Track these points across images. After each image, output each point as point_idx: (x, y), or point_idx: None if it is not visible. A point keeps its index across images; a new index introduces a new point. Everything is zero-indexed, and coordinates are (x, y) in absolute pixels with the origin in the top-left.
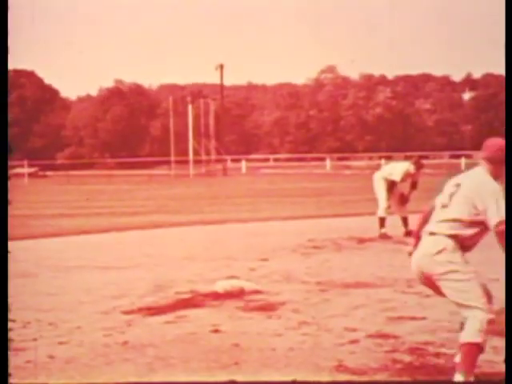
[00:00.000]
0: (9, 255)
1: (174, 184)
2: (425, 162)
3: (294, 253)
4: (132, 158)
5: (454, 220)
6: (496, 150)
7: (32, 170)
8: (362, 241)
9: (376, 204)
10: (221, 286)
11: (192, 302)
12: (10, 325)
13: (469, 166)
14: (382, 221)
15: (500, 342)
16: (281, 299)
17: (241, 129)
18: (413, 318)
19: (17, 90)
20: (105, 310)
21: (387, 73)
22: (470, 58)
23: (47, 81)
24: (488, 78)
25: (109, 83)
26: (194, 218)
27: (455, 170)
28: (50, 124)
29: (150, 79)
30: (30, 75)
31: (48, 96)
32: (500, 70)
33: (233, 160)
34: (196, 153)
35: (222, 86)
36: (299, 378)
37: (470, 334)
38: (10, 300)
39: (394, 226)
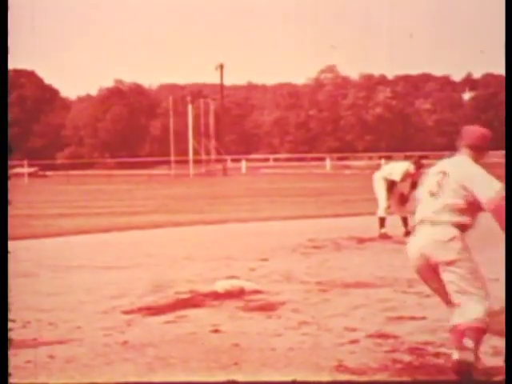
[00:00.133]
0: (9, 255)
1: (174, 184)
2: (425, 161)
3: (293, 253)
4: (132, 157)
5: (451, 207)
6: (476, 138)
7: (32, 169)
8: (361, 241)
9: (376, 204)
10: (221, 286)
11: (192, 301)
12: (10, 325)
13: None
14: (382, 221)
15: (500, 342)
16: (281, 299)
17: (241, 129)
18: (412, 318)
19: (17, 89)
20: (105, 310)
21: (387, 73)
22: (470, 58)
23: (47, 81)
24: (488, 78)
25: (109, 83)
26: (194, 217)
27: None
28: (49, 124)
29: (150, 79)
30: (30, 75)
31: (48, 96)
32: (500, 70)
33: (233, 160)
34: (196, 153)
35: (222, 86)
36: (299, 378)
37: (471, 315)
38: (10, 300)
39: (394, 225)
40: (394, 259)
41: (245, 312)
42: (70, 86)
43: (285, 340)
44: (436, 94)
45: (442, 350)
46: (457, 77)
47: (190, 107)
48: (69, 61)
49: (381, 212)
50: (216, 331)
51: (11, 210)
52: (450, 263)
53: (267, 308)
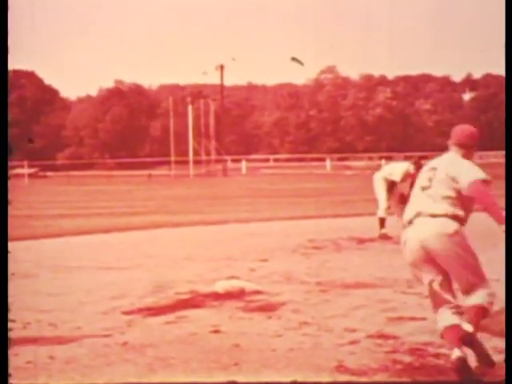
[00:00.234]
0: (9, 255)
1: (174, 184)
2: (425, 162)
3: (294, 253)
4: (132, 158)
5: (444, 198)
6: (466, 136)
7: (32, 170)
8: (361, 241)
9: (376, 204)
10: (221, 287)
11: (192, 302)
12: (10, 325)
13: None
14: (382, 221)
15: (500, 342)
16: (281, 299)
17: (241, 129)
18: (413, 319)
19: (17, 90)
20: (105, 311)
21: (387, 73)
22: (470, 58)
23: (47, 81)
24: (488, 78)
25: (109, 83)
26: (194, 218)
27: None
28: (50, 124)
29: (150, 79)
30: (30, 75)
31: (48, 96)
32: (500, 70)
33: (233, 160)
34: (196, 153)
35: (222, 87)
36: (299, 379)
37: (478, 299)
38: (10, 300)
39: (394, 226)
40: (394, 260)
41: (245, 312)
42: (69, 86)
43: (285, 340)
44: (436, 95)
45: (442, 350)
46: (457, 77)
47: (190, 108)
48: (69, 61)
49: (381, 212)
50: (216, 332)
51: (11, 211)
52: (455, 254)
53: (267, 308)
